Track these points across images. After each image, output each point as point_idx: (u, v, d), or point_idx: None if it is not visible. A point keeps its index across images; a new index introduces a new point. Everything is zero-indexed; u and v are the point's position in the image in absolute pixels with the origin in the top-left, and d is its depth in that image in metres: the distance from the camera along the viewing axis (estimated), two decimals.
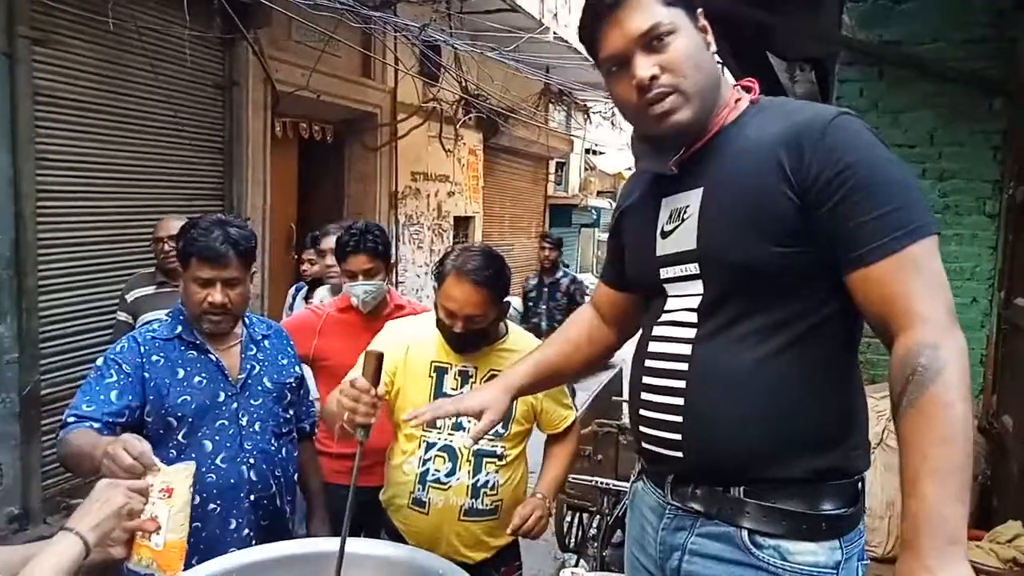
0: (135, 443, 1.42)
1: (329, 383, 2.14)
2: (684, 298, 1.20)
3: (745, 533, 1.12)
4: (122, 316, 3.20)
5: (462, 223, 9.10)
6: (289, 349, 2.08)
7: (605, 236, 13.78)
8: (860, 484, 1.15)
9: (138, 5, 4.13)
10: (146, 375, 1.78)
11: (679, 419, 1.17)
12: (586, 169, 16.21)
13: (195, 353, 1.85)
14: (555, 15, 8.15)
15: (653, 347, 1.24)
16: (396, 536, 1.95)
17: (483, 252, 1.94)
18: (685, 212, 1.19)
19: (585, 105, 13.50)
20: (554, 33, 7.99)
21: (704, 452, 1.15)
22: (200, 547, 1.75)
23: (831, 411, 1.12)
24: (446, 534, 1.91)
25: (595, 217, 16.08)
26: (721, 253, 1.14)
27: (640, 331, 1.33)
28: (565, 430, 2.08)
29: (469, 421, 1.92)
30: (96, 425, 1.68)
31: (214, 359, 1.86)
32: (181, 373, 1.82)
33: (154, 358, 1.81)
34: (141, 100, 4.25)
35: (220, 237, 1.81)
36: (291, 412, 2.03)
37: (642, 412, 1.24)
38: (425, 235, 8.03)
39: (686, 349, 1.18)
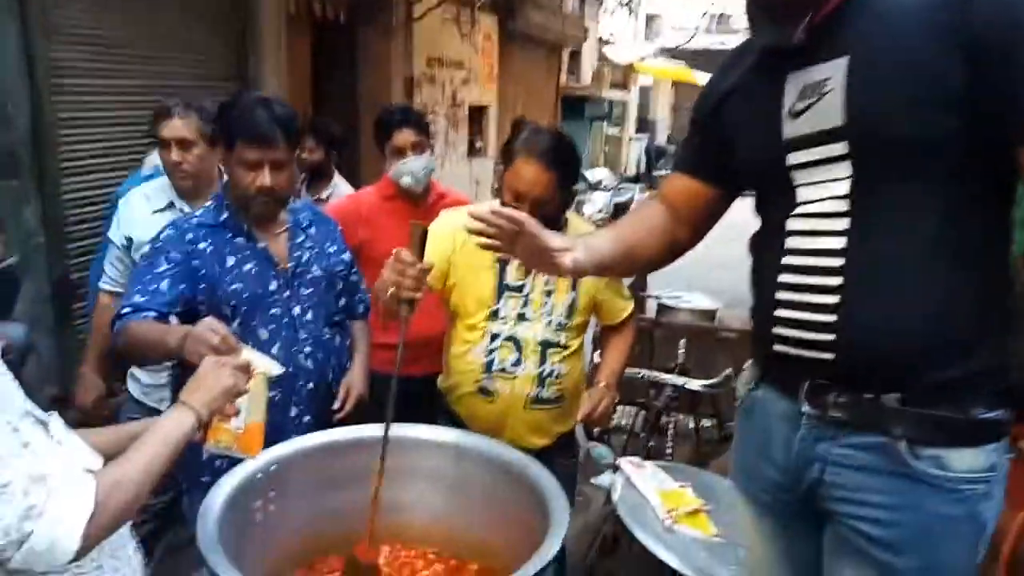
0: (219, 324, 1.44)
1: (374, 274, 2.10)
2: (824, 185, 1.10)
3: (903, 443, 1.07)
4: None
5: (476, 114, 8.84)
6: (337, 235, 2.02)
7: (614, 130, 13.33)
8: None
9: None
10: (195, 263, 1.73)
11: (833, 318, 1.09)
12: (599, 60, 15.65)
13: (243, 240, 1.79)
14: None
15: (792, 243, 1.14)
16: (455, 423, 1.97)
17: (554, 133, 1.86)
18: (823, 86, 1.07)
19: None
20: None
21: (862, 354, 1.08)
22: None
23: (992, 306, 1.06)
24: (511, 422, 1.93)
25: (607, 110, 15.64)
26: (877, 127, 1.03)
27: (763, 225, 1.23)
28: (623, 321, 2.07)
29: (534, 312, 1.92)
30: (152, 315, 1.65)
31: (262, 247, 1.81)
32: (231, 261, 1.77)
33: (201, 245, 1.75)
34: None
35: (266, 117, 1.71)
36: (343, 300, 2.00)
37: (780, 313, 1.15)
38: (440, 124, 7.81)
39: (838, 242, 1.08)
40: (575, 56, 13.50)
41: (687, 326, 3.27)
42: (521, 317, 1.91)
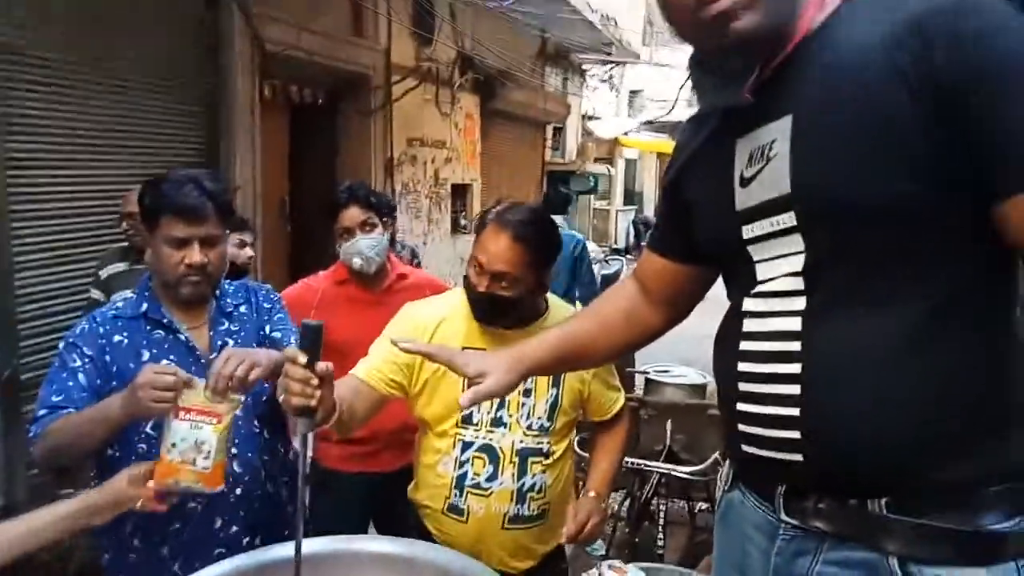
0: (162, 366, 1.41)
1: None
2: (779, 261, 0.96)
3: (894, 561, 0.88)
4: (95, 294, 2.97)
5: (460, 191, 8.83)
6: (274, 311, 1.84)
7: (601, 203, 13.42)
8: None
9: None
10: (108, 359, 1.60)
11: (796, 412, 0.92)
12: (583, 135, 15.88)
13: (162, 333, 1.65)
14: None
15: (749, 325, 1.00)
16: (426, 536, 1.74)
17: (534, 210, 1.71)
18: (770, 150, 0.94)
19: (582, 67, 13.16)
20: None
21: (835, 452, 0.91)
22: (183, 552, 1.57)
23: (993, 390, 0.88)
24: (488, 544, 1.71)
25: (593, 184, 15.76)
26: (827, 192, 0.89)
27: (728, 309, 1.09)
28: (615, 415, 1.87)
29: (510, 415, 1.71)
30: (72, 410, 1.52)
31: (183, 338, 1.66)
32: (146, 355, 1.62)
33: (116, 339, 1.62)
34: (119, 60, 3.94)
35: (194, 190, 1.61)
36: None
37: (741, 407, 1.00)
38: (423, 203, 7.76)
39: (795, 324, 0.94)
40: (559, 132, 13.68)
41: (675, 404, 3.08)
42: (496, 422, 1.70)
